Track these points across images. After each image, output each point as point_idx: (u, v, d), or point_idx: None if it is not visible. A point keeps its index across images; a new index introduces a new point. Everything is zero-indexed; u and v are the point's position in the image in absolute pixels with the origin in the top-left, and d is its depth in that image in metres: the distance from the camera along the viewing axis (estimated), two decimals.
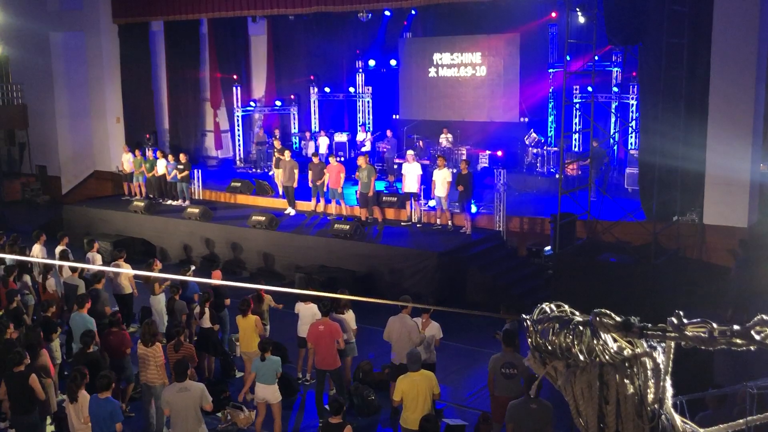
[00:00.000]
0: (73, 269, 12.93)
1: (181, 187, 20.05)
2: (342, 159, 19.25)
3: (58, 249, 14.42)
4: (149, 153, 21.04)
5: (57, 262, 13.39)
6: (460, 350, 12.21)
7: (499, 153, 20.84)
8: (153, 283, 12.41)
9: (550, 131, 21.65)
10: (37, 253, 14.15)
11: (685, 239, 14.91)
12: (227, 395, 10.64)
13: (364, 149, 22.05)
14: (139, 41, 24.36)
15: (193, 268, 14.35)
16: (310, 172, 17.91)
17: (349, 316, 10.97)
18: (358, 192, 17.32)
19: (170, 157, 20.41)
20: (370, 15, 21.58)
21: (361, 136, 23.61)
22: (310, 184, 18.03)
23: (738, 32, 14.12)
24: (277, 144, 20.32)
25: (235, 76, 25.24)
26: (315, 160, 18.08)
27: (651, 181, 14.36)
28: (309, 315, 11.25)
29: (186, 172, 19.93)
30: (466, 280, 15.28)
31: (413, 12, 22.11)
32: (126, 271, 12.86)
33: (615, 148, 19.29)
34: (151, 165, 20.57)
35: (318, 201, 18.22)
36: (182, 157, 19.99)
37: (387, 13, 22.04)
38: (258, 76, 26.75)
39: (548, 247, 15.33)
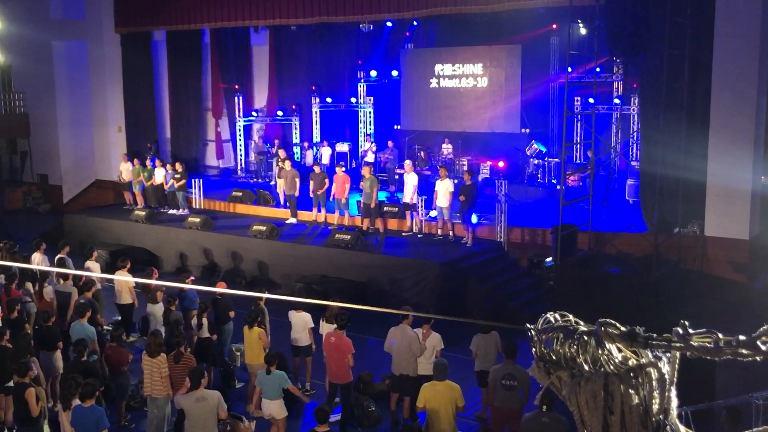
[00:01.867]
0: (65, 277, 12.85)
1: (179, 195, 20.06)
2: (345, 169, 19.25)
3: (58, 257, 14.40)
4: (148, 162, 21.06)
5: (47, 269, 13.35)
6: (460, 361, 12.13)
7: (501, 164, 20.86)
8: (155, 292, 12.38)
9: (552, 142, 21.68)
10: (37, 262, 14.13)
11: (687, 251, 14.89)
12: (227, 406, 10.59)
13: (367, 159, 22.07)
14: (141, 51, 24.43)
15: (192, 277, 14.31)
16: (311, 182, 17.92)
17: None
18: (360, 202, 17.30)
19: (168, 166, 20.43)
20: (371, 26, 21.65)
21: (365, 146, 23.66)
22: (311, 194, 18.03)
23: (739, 43, 14.15)
24: (281, 153, 20.35)
25: (237, 86, 25.30)
26: (317, 169, 18.10)
27: (652, 193, 14.37)
28: (301, 323, 11.25)
29: (183, 181, 19.95)
30: (467, 290, 15.23)
31: (415, 23, 22.17)
32: (121, 278, 12.79)
33: (616, 159, 19.30)
34: (149, 174, 20.60)
35: (319, 211, 18.22)
36: (178, 166, 20.02)
37: (389, 24, 22.11)
38: (260, 86, 26.82)
39: (549, 258, 15.30)
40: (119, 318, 13.39)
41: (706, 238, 14.80)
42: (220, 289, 11.78)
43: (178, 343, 10.01)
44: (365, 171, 17.01)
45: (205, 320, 11.44)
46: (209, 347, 11.42)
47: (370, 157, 22.55)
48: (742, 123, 14.28)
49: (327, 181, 17.82)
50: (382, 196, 17.80)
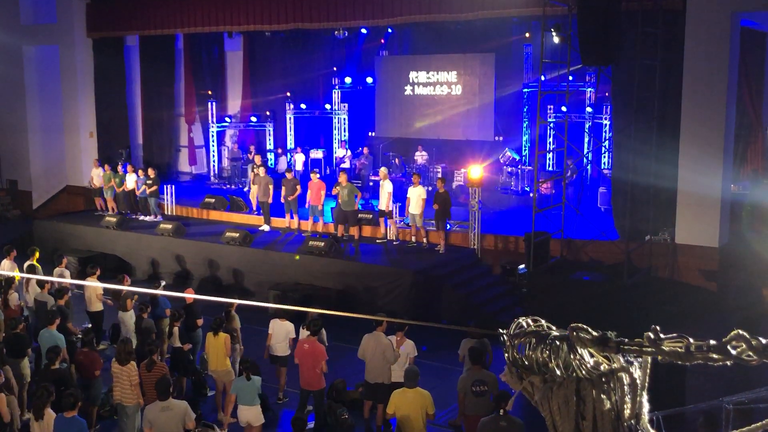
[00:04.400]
0: (42, 285, 12.70)
1: (151, 202, 19.88)
2: (320, 175, 19.23)
3: (27, 264, 14.20)
4: (120, 168, 20.87)
5: (19, 274, 13.15)
6: (434, 368, 12.16)
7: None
8: (125, 300, 12.24)
9: (525, 150, 21.83)
10: (7, 269, 13.91)
11: (657, 258, 15.04)
12: (199, 414, 10.48)
13: (343, 165, 22.06)
14: (113, 56, 24.19)
15: (163, 283, 14.16)
16: (282, 188, 17.86)
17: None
18: (334, 209, 17.25)
19: (140, 171, 20.26)
20: (346, 33, 21.66)
21: (341, 152, 23.64)
22: (282, 200, 17.98)
23: (709, 53, 14.35)
24: (257, 160, 20.25)
25: (210, 92, 25.15)
26: (288, 176, 18.06)
27: (624, 201, 14.51)
28: (283, 332, 11.15)
29: (155, 187, 19.78)
30: (440, 298, 15.26)
31: (389, 30, 22.22)
32: (92, 284, 12.63)
33: (588, 167, 19.47)
34: (120, 180, 20.41)
35: (291, 217, 18.15)
36: (150, 172, 19.85)
37: (363, 31, 22.13)
38: (233, 91, 26.68)
39: (522, 266, 15.38)
40: (89, 325, 13.22)
41: (676, 245, 14.96)
42: (190, 295, 11.62)
43: (150, 352, 9.90)
44: (342, 178, 17.00)
45: (176, 329, 11.32)
46: (182, 356, 11.30)
47: (346, 164, 22.56)
48: (712, 131, 14.47)
49: (298, 187, 17.78)
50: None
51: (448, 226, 16.48)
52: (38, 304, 12.63)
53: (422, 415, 8.56)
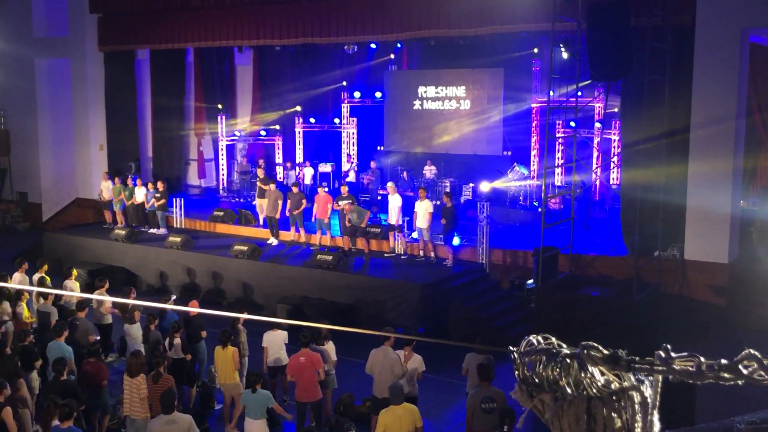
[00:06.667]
0: (45, 296, 12.70)
1: (159, 215, 19.94)
2: (327, 189, 19.28)
3: (36, 276, 14.23)
4: (129, 181, 20.95)
5: (31, 288, 13.18)
6: (442, 384, 12.11)
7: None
8: (132, 312, 12.25)
9: (533, 165, 21.83)
10: (18, 281, 13.94)
11: (667, 274, 14.97)
12: (206, 427, 10.48)
13: (348, 179, 22.11)
14: (124, 69, 24.33)
15: (174, 297, 14.16)
16: (288, 202, 17.92)
17: (330, 347, 10.87)
18: (347, 224, 17.22)
19: (150, 185, 20.34)
20: (355, 47, 21.78)
21: (346, 166, 23.74)
22: (287, 213, 18.02)
23: (718, 68, 14.35)
24: (260, 173, 20.31)
25: (220, 106, 25.28)
26: (294, 189, 18.12)
27: (633, 216, 14.47)
28: (278, 342, 11.16)
29: (163, 200, 19.83)
30: (448, 312, 15.23)
31: (399, 45, 22.33)
32: (107, 298, 12.66)
33: (597, 182, 19.44)
34: (130, 193, 20.49)
35: (297, 231, 18.18)
36: (159, 185, 19.91)
37: (373, 45, 22.24)
38: (243, 105, 26.81)
39: (531, 281, 15.34)
40: (98, 338, 13.23)
41: (685, 261, 14.90)
42: (195, 308, 11.63)
43: (158, 363, 9.89)
44: (343, 190, 17.14)
45: (177, 340, 11.32)
46: (184, 367, 11.28)
47: (351, 177, 22.60)
48: (722, 147, 14.44)
49: (304, 201, 17.84)
50: None
51: (457, 241, 16.46)
52: (40, 314, 12.62)
53: (412, 430, 8.51)
